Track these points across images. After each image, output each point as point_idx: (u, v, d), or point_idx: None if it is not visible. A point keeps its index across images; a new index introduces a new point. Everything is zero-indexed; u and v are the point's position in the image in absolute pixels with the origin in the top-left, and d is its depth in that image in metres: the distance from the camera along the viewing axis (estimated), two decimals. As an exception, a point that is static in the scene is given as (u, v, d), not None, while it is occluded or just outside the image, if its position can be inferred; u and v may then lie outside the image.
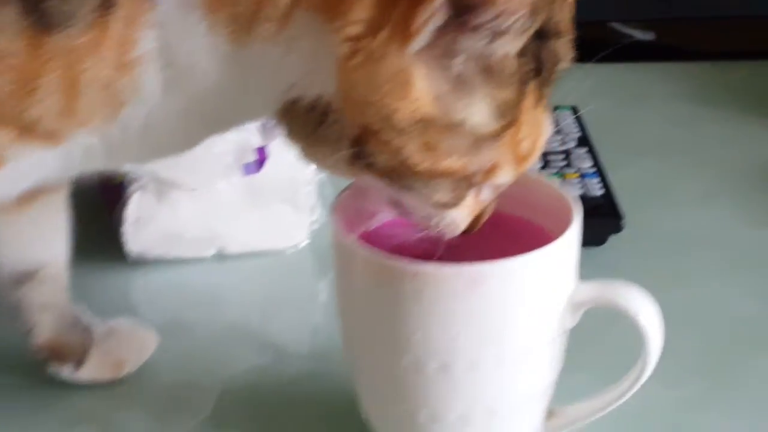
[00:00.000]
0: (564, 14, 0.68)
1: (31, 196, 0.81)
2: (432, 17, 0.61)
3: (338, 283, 0.75)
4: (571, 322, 0.72)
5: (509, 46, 0.63)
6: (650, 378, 0.72)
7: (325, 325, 0.94)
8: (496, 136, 0.66)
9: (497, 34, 0.62)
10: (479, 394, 0.71)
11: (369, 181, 0.69)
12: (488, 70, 0.64)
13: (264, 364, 0.89)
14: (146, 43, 0.65)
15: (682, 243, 1.02)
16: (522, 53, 0.64)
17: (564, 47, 0.68)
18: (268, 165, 1.00)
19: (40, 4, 0.63)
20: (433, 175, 0.66)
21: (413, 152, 0.65)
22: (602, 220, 0.99)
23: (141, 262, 1.01)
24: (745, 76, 1.40)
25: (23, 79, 0.64)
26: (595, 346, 0.81)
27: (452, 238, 0.72)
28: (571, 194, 0.75)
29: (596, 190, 1.04)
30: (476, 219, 0.72)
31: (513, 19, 0.61)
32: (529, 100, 0.67)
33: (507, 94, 0.65)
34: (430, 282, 0.67)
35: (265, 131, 1.00)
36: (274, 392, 0.85)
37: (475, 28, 0.62)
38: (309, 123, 0.67)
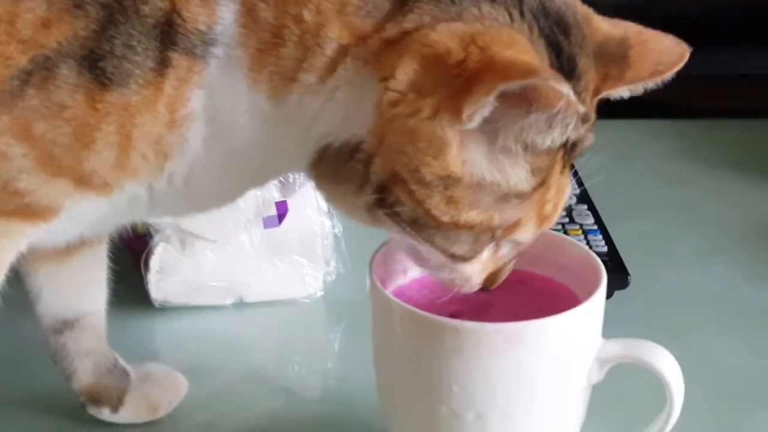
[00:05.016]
0: (591, 103, 0.72)
1: (74, 248, 0.85)
2: (483, 108, 0.63)
3: (376, 335, 0.78)
4: (597, 377, 0.76)
5: (556, 138, 0.67)
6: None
7: (337, 372, 0.99)
8: (527, 195, 0.69)
9: (546, 128, 0.66)
10: (512, 442, 0.75)
11: (389, 227, 0.72)
12: (530, 146, 0.67)
13: (278, 408, 0.92)
14: (195, 101, 0.69)
15: (683, 298, 1.05)
16: None
17: (589, 130, 0.72)
18: (287, 219, 1.04)
19: (98, 62, 0.67)
20: (453, 227, 0.69)
21: (436, 204, 0.68)
22: (609, 275, 0.99)
23: (165, 309, 1.04)
24: (738, 134, 1.44)
25: (81, 133, 0.68)
26: (615, 398, 0.83)
27: (480, 296, 0.76)
28: (595, 256, 0.79)
29: (600, 246, 1.07)
30: (494, 276, 0.75)
31: (564, 117, 0.65)
32: (558, 166, 0.71)
33: (543, 161, 0.69)
34: (471, 338, 0.71)
35: (284, 187, 1.03)
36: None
37: (527, 120, 0.65)
38: (336, 162, 0.70)
